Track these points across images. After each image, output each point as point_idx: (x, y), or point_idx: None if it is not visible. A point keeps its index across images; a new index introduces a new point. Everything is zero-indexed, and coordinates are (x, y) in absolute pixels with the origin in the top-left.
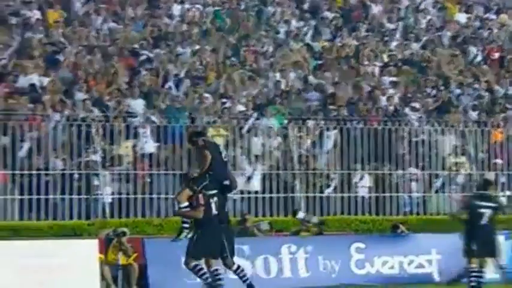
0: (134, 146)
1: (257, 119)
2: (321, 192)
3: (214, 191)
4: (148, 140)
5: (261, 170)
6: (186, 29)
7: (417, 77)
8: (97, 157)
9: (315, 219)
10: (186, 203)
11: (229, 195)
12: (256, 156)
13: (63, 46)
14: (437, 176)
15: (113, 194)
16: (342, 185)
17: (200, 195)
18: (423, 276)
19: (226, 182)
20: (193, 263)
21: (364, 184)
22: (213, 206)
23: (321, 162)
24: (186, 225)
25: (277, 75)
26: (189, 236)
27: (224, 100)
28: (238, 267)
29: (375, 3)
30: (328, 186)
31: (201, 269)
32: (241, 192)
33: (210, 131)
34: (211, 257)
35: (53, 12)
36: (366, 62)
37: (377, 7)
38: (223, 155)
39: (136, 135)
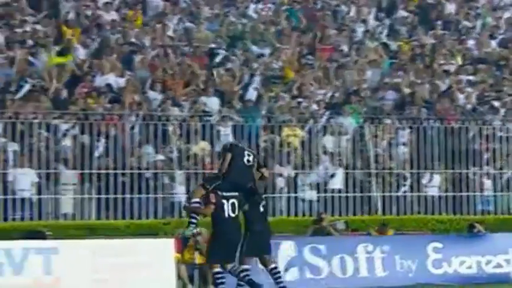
0: (211, 145)
1: (331, 117)
2: (397, 191)
3: (231, 193)
4: (228, 139)
5: (334, 168)
6: (262, 28)
7: (495, 75)
8: (173, 156)
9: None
10: (197, 199)
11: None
12: (332, 154)
13: (139, 46)
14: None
15: (188, 193)
16: (418, 184)
17: (212, 194)
18: (501, 276)
19: (248, 186)
20: (215, 269)
21: (434, 184)
22: (227, 207)
23: (396, 161)
24: (193, 221)
25: (353, 74)
26: (195, 231)
27: (300, 99)
28: (242, 270)
29: (451, 1)
30: (404, 185)
31: (222, 277)
32: (318, 191)
33: (285, 131)
34: (226, 262)
35: (130, 13)
36: (442, 61)
37: (453, 5)
38: (245, 160)
39: (211, 135)
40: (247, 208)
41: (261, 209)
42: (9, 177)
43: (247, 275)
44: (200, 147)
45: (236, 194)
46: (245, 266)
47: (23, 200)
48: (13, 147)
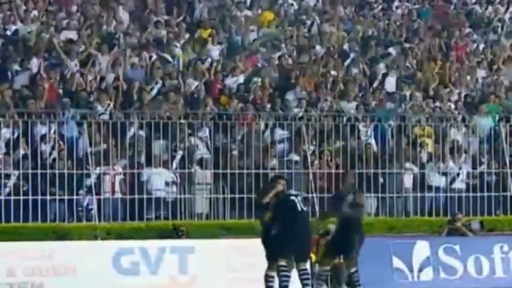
0: (345, 145)
1: (466, 117)
2: None
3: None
4: (368, 139)
5: (467, 168)
6: (395, 28)
7: None
8: (307, 156)
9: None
10: None
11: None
12: (466, 153)
13: (273, 46)
14: None
15: (313, 192)
16: None
17: None
18: None
19: None
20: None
21: None
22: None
23: None
24: None
25: (489, 72)
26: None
27: (434, 99)
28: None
29: None
30: None
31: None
32: (445, 191)
33: (416, 130)
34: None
35: (267, 13)
36: None
37: None
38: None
39: (345, 134)
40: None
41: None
42: (144, 177)
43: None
44: (335, 147)
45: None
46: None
47: (157, 199)
48: (150, 146)
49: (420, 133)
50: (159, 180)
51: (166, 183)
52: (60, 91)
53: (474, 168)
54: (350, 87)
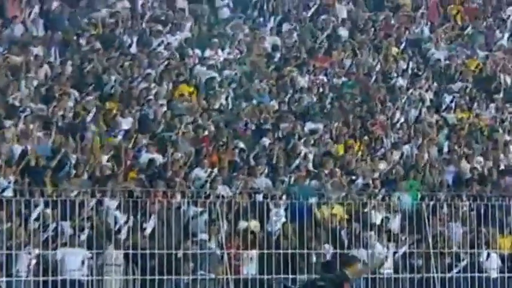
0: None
1: (387, 194)
2: (457, 272)
3: None
4: (281, 218)
5: (393, 249)
6: (315, 101)
7: None
8: (221, 235)
9: None
10: None
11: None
12: (387, 233)
13: (185, 120)
14: None
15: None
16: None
17: None
18: None
19: None
20: None
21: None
22: None
23: (455, 240)
24: None
25: (409, 148)
26: None
27: (353, 176)
28: None
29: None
30: (456, 266)
31: None
32: (374, 273)
33: (337, 208)
34: None
35: (183, 85)
36: (507, 136)
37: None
38: None
39: (261, 213)
40: None
41: None
42: (49, 257)
43: None
44: (252, 225)
45: None
46: None
47: (63, 281)
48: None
49: (339, 211)
50: (69, 260)
51: (75, 264)
52: None
53: (397, 248)
54: (266, 163)
